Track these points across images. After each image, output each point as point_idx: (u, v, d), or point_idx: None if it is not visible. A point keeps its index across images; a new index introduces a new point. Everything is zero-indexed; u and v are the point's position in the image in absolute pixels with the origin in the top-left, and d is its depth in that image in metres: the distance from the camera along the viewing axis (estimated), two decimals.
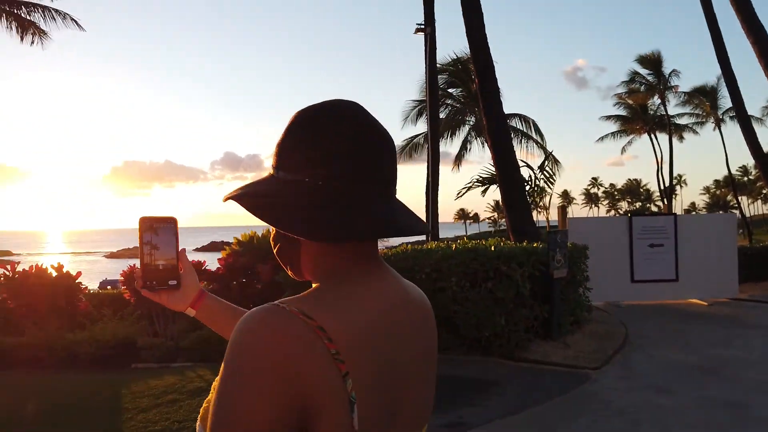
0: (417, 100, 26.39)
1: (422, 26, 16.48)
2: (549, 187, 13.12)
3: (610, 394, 5.95)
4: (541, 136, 26.86)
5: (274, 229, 0.92)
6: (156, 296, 1.10)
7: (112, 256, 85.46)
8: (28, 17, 21.90)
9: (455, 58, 25.80)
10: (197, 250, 75.71)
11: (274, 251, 0.95)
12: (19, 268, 9.50)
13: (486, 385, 6.27)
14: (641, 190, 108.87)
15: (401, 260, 7.56)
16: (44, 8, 21.99)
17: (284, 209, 0.84)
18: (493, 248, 7.43)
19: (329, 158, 0.85)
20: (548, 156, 14.91)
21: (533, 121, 27.03)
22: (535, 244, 8.14)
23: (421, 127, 26.74)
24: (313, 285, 0.89)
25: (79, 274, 9.77)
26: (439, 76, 26.12)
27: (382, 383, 0.80)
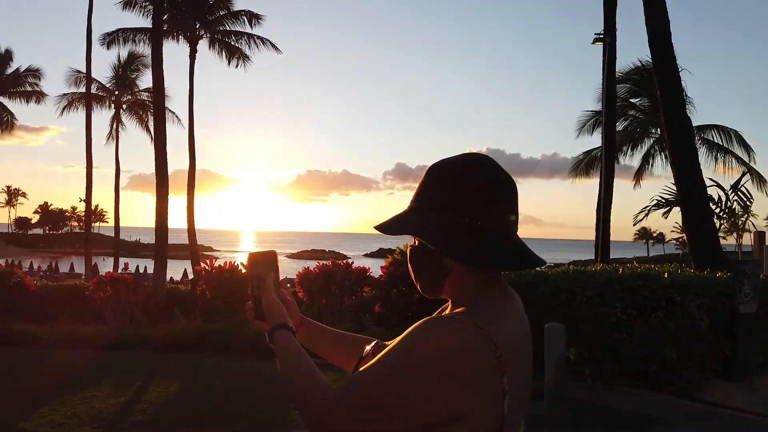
0: (594, 111, 25.01)
1: (601, 36, 15.67)
2: (744, 209, 11.62)
3: None
4: (746, 149, 23.57)
5: (417, 252, 1.13)
6: (265, 325, 1.25)
7: (293, 256, 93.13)
8: (236, 45, 25.10)
9: (639, 65, 23.97)
10: (366, 255, 79.60)
11: (415, 270, 1.15)
12: (216, 264, 10.93)
13: (649, 422, 5.79)
14: None
15: (562, 281, 7.31)
16: (249, 36, 25.01)
17: (455, 243, 1.05)
18: (666, 275, 6.85)
19: (481, 201, 1.06)
20: (744, 174, 13.20)
21: (735, 132, 23.91)
22: (718, 274, 7.32)
23: (598, 138, 25.23)
24: (454, 303, 1.11)
25: None
26: (620, 85, 24.51)
27: (521, 379, 1.02)
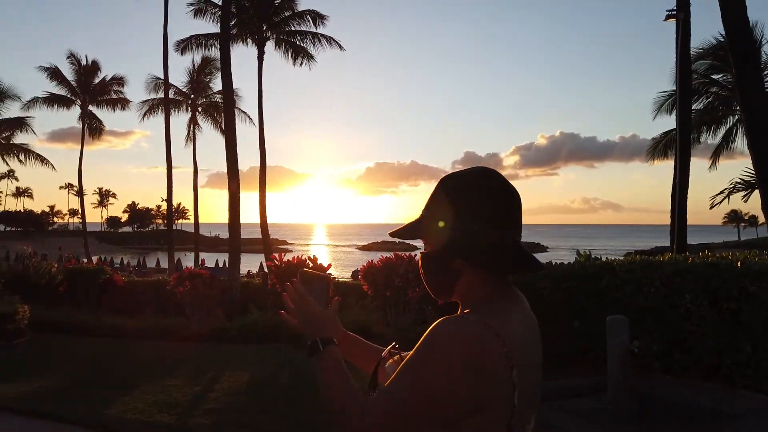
0: (671, 91, 23.75)
1: (673, 12, 14.89)
2: None
3: None
4: None
5: (429, 257, 1.22)
6: (310, 330, 1.33)
7: (364, 248, 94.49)
8: (300, 44, 25.69)
9: (721, 40, 22.55)
10: None
11: (427, 274, 1.26)
12: (285, 258, 11.35)
13: (722, 417, 5.57)
14: None
15: (628, 271, 7.10)
16: (314, 35, 25.53)
17: (466, 246, 1.15)
18: (739, 264, 6.51)
19: (490, 210, 1.16)
20: None
21: None
22: None
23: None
24: (464, 305, 1.20)
25: (329, 266, 11.24)
26: (700, 62, 23.16)
27: (530, 375, 1.10)
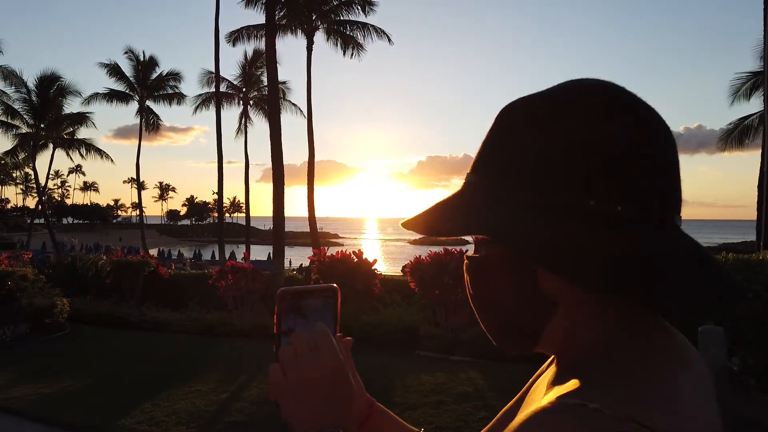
0: (752, 72, 21.82)
1: None
2: None
3: None
4: None
5: (487, 266, 0.60)
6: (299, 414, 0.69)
7: (415, 242, 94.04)
8: (350, 34, 25.16)
9: None
10: None
11: (484, 302, 0.61)
12: (328, 254, 10.78)
13: None
14: None
15: None
16: (363, 25, 24.96)
17: (570, 248, 0.51)
18: None
19: (618, 166, 0.52)
20: None
21: None
22: None
23: (755, 104, 22.04)
24: (573, 366, 0.57)
25: (374, 261, 10.59)
26: None
27: None
